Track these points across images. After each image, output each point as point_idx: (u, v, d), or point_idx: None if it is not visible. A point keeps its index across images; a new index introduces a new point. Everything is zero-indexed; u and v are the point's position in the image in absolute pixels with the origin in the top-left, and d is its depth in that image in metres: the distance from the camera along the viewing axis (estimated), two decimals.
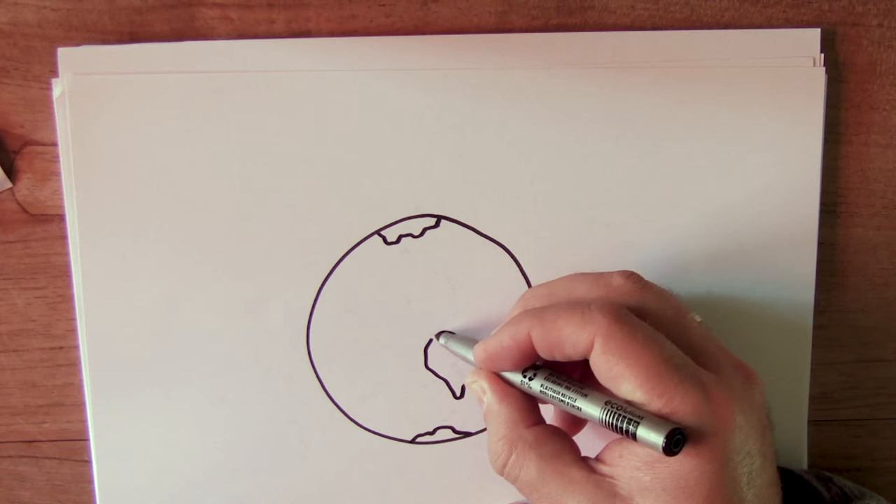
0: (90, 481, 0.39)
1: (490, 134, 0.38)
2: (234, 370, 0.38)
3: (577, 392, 0.31)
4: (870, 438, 0.42)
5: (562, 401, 0.32)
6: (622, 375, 0.30)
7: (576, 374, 0.34)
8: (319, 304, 0.38)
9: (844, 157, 0.39)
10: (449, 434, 0.39)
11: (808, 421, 0.40)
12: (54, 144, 0.37)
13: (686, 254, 0.38)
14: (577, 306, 0.31)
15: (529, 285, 0.38)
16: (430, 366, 0.39)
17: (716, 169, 0.38)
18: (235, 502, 0.39)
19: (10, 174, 0.38)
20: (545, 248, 0.38)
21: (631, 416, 0.29)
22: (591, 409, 0.30)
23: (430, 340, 0.39)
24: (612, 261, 0.38)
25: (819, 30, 0.38)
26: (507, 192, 0.38)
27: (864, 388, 0.41)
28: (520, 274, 0.38)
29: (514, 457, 0.32)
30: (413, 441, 0.39)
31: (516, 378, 0.33)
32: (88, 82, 0.37)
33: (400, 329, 0.39)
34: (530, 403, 0.34)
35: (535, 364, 0.33)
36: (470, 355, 0.35)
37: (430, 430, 0.39)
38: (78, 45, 0.37)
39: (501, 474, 0.33)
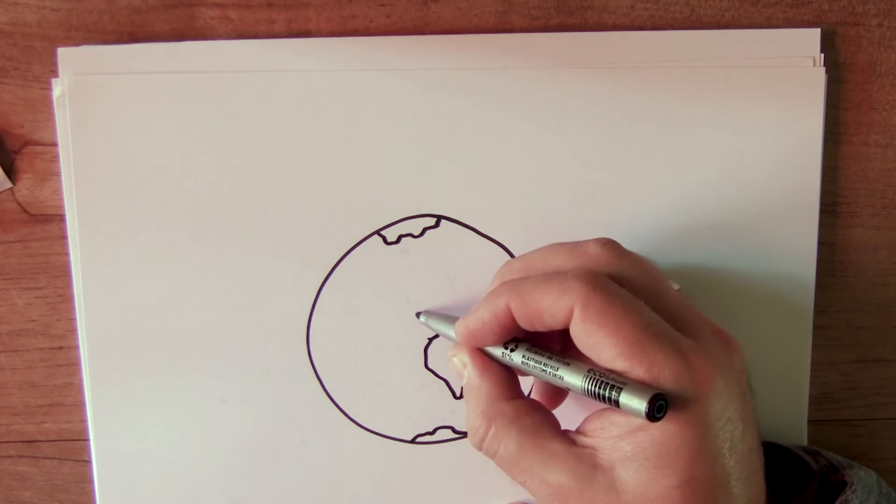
0: (90, 481, 0.39)
1: (490, 134, 0.38)
2: (234, 370, 0.38)
3: (559, 362, 0.31)
4: (870, 438, 0.42)
5: (543, 371, 0.32)
6: (601, 344, 0.29)
7: (556, 347, 0.34)
8: (319, 304, 0.38)
9: (844, 157, 0.39)
10: (449, 434, 0.39)
11: (808, 421, 0.40)
12: (54, 144, 0.37)
13: (685, 253, 0.38)
14: (554, 275, 0.31)
15: None
16: (430, 366, 0.39)
17: (716, 169, 0.38)
18: (235, 502, 0.39)
19: (10, 174, 0.38)
20: None
21: (613, 383, 0.29)
22: (573, 378, 0.30)
23: (430, 340, 0.39)
24: None
25: (819, 30, 0.38)
26: (507, 192, 0.38)
27: (863, 388, 0.41)
28: None
29: (492, 431, 0.32)
30: (413, 441, 0.39)
31: (497, 351, 0.33)
32: (88, 82, 0.37)
33: (400, 329, 0.39)
34: (510, 377, 0.34)
35: (515, 337, 0.33)
36: (451, 332, 0.35)
37: (430, 430, 0.39)
38: (78, 45, 0.37)
39: (480, 449, 0.32)
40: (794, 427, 0.40)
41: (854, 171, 0.39)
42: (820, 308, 0.40)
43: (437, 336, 0.39)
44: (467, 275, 0.38)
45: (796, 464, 0.36)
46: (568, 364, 0.31)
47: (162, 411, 0.38)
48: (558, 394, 0.36)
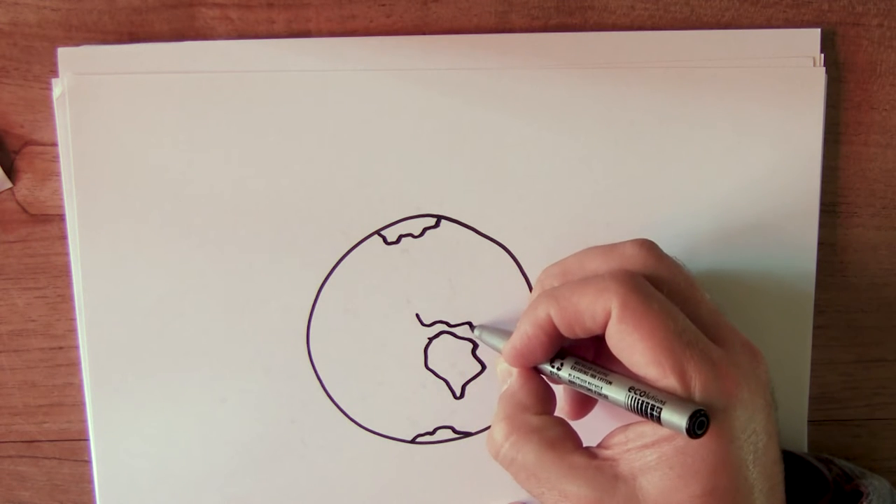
0: (90, 481, 0.39)
1: (490, 134, 0.38)
2: (234, 370, 0.38)
3: (602, 379, 0.31)
4: (870, 438, 0.42)
5: (589, 388, 0.32)
6: (634, 347, 0.30)
7: (589, 355, 0.34)
8: (319, 304, 0.38)
9: (844, 157, 0.39)
10: (449, 434, 0.39)
11: (808, 421, 0.40)
12: (54, 144, 0.37)
13: (685, 254, 0.38)
14: (591, 278, 0.31)
15: (529, 285, 0.38)
16: (430, 366, 0.39)
17: (715, 169, 0.38)
18: (235, 502, 0.39)
19: (10, 174, 0.38)
20: (545, 248, 0.38)
21: (654, 402, 0.29)
22: (616, 394, 0.31)
23: (430, 340, 0.39)
24: None
25: (819, 30, 0.38)
26: (507, 192, 0.38)
27: (863, 388, 0.41)
28: (520, 274, 0.38)
29: (512, 438, 0.32)
30: (413, 441, 0.39)
31: (546, 368, 0.34)
32: (88, 82, 0.37)
33: (400, 329, 0.39)
34: (546, 393, 0.34)
35: (562, 352, 0.33)
36: (502, 346, 0.35)
37: (430, 430, 0.39)
38: (78, 45, 0.37)
39: (497, 456, 0.32)
40: (794, 427, 0.40)
41: (854, 171, 0.39)
42: (820, 308, 0.40)
43: (437, 336, 0.39)
44: (467, 275, 0.38)
45: (809, 472, 0.36)
46: (610, 382, 0.31)
47: (162, 411, 0.38)
48: (587, 403, 0.36)
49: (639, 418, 0.30)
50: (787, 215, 0.38)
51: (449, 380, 0.39)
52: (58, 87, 0.37)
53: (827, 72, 0.38)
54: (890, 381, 0.41)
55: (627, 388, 0.30)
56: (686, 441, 0.29)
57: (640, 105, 0.38)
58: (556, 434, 0.32)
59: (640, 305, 0.30)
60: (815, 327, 0.39)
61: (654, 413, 0.29)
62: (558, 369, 0.33)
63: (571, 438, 0.32)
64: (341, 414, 0.39)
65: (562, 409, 0.36)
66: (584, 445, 0.32)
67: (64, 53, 0.37)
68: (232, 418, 0.39)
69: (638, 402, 0.29)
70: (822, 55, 0.38)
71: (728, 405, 0.29)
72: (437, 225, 0.38)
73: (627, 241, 0.33)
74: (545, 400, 0.33)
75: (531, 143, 0.38)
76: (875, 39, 0.39)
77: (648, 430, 0.30)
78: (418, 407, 0.39)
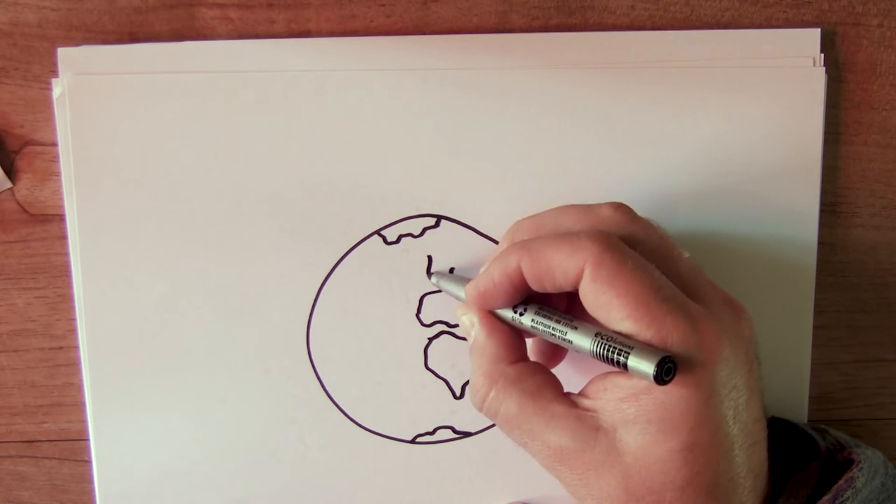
0: (90, 481, 0.39)
1: (490, 134, 0.38)
2: (234, 370, 0.38)
3: (567, 325, 0.31)
4: (870, 438, 0.42)
5: (553, 334, 0.31)
6: (611, 304, 0.29)
7: (561, 307, 0.34)
8: (319, 304, 0.38)
9: (844, 157, 0.39)
10: (449, 434, 0.39)
11: (808, 421, 0.40)
12: (54, 144, 0.37)
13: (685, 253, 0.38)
14: (566, 235, 0.31)
15: None
16: (430, 366, 0.39)
17: (716, 169, 0.38)
18: (235, 502, 0.39)
19: (10, 174, 0.38)
20: None
21: (621, 347, 0.29)
22: (581, 341, 0.30)
23: (430, 340, 0.39)
24: None
25: (819, 30, 0.38)
26: (507, 192, 0.38)
27: (864, 388, 0.41)
28: None
29: (493, 392, 0.32)
30: (413, 441, 0.39)
31: (507, 314, 0.33)
32: (88, 82, 0.37)
33: (400, 329, 0.39)
34: (516, 340, 0.33)
35: (526, 299, 0.33)
36: (462, 292, 0.35)
37: (430, 430, 0.39)
38: (78, 45, 0.37)
39: (481, 410, 0.33)
40: None
41: (854, 171, 0.40)
42: (820, 308, 0.40)
43: (437, 336, 0.39)
44: (467, 275, 0.38)
45: (804, 440, 0.36)
46: (576, 328, 0.31)
47: (162, 411, 0.38)
48: (557, 353, 0.36)
49: (608, 367, 0.30)
50: (787, 215, 0.38)
51: (449, 380, 0.39)
52: (58, 87, 0.37)
53: (827, 72, 0.38)
54: (890, 381, 0.41)
55: (594, 334, 0.30)
56: (664, 395, 0.29)
57: (640, 105, 0.38)
58: (536, 383, 0.32)
59: (615, 264, 0.29)
60: (815, 327, 0.39)
61: (621, 359, 0.28)
62: (521, 315, 0.33)
63: (551, 386, 0.32)
64: (341, 414, 0.39)
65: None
66: (565, 391, 0.32)
67: (64, 53, 0.37)
68: (232, 418, 0.39)
69: (604, 348, 0.29)
70: (822, 55, 0.38)
71: (708, 360, 0.29)
72: (437, 225, 0.38)
73: (603, 203, 0.33)
74: (516, 347, 0.33)
75: (531, 142, 0.38)
76: (875, 39, 0.39)
77: (625, 381, 0.30)
78: (418, 407, 0.39)
